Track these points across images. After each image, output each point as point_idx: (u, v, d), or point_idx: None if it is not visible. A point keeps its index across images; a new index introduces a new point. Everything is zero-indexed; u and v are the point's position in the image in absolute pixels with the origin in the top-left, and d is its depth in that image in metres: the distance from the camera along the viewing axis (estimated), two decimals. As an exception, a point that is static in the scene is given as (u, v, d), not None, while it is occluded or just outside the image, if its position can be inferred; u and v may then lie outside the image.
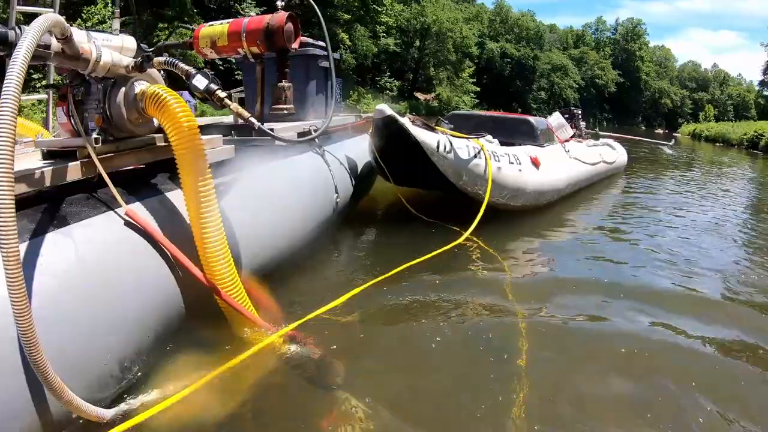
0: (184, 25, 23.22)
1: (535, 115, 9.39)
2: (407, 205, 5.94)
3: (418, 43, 50.65)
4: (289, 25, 3.11)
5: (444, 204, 6.19)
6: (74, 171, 2.36)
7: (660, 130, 69.08)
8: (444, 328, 3.29)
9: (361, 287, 3.66)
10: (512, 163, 5.88)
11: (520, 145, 6.94)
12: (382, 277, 3.92)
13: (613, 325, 3.49)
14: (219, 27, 3.30)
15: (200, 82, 2.47)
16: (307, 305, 3.31)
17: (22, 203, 2.04)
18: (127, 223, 2.39)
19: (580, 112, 11.49)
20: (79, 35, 2.33)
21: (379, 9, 40.68)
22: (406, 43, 48.87)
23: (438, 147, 5.17)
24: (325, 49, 6.12)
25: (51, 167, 2.25)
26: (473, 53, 57.12)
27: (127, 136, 2.66)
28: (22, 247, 1.87)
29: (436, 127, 5.69)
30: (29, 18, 3.50)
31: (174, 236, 2.52)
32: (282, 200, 3.88)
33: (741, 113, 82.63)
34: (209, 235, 2.50)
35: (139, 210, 2.48)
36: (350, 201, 5.44)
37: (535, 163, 6.26)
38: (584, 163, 8.22)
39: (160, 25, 25.12)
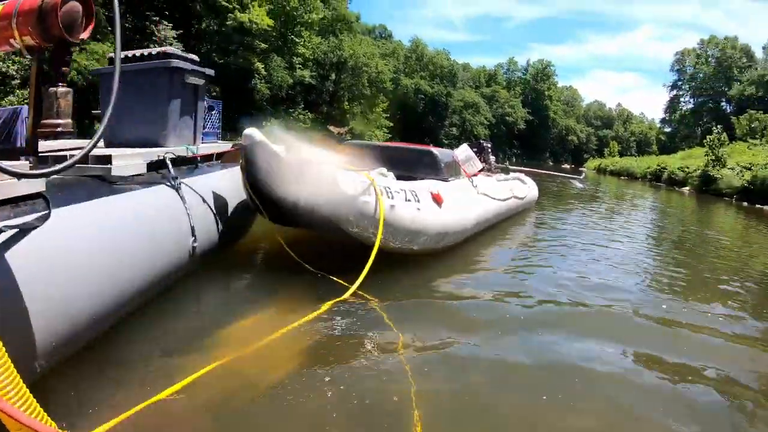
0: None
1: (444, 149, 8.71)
2: (288, 249, 5.20)
3: (333, 76, 50.34)
4: (73, 6, 2.06)
5: (336, 247, 5.50)
6: None
7: (567, 165, 72.86)
8: (326, 406, 2.76)
9: (211, 366, 2.94)
10: (409, 200, 5.14)
11: (421, 179, 6.22)
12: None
13: (515, 398, 3.11)
14: None
15: None
16: (135, 391, 2.66)
17: None
18: None
19: (489, 145, 11.06)
20: None
21: (297, 40, 40.25)
22: (321, 76, 48.42)
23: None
24: (195, 62, 5.25)
25: None
26: (388, 88, 57.35)
27: None
28: None
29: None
30: None
31: None
32: (103, 250, 3.08)
33: (643, 149, 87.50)
34: None
35: None
36: (218, 245, 4.68)
37: (437, 200, 5.52)
38: (494, 198, 7.63)
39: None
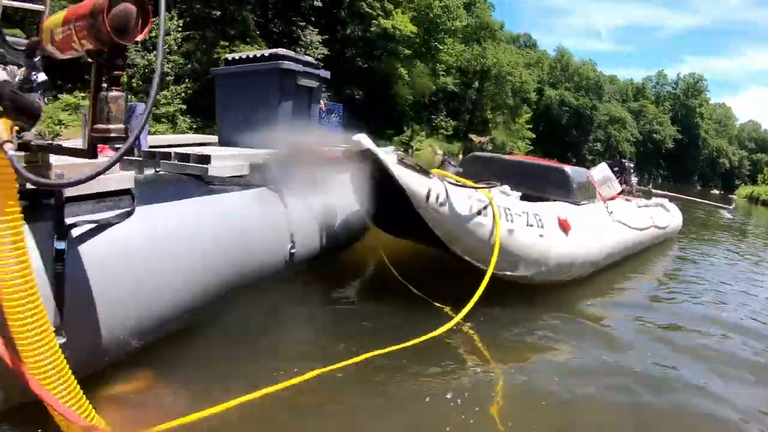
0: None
1: (588, 167, 7.96)
2: (390, 267, 4.83)
3: (476, 84, 50.16)
4: (125, 8, 1.91)
5: (443, 268, 5.00)
6: None
7: (716, 191, 67.39)
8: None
9: (304, 376, 2.82)
10: (531, 225, 4.57)
11: (549, 200, 5.60)
12: (334, 366, 3.00)
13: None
14: (60, 13, 2.23)
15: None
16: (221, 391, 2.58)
17: None
18: None
19: (632, 165, 10.09)
20: None
21: (441, 47, 40.26)
22: (464, 84, 48.41)
23: (428, 197, 3.92)
24: (309, 64, 5.10)
25: None
26: (531, 99, 56.21)
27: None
28: None
29: (434, 171, 4.40)
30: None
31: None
32: (185, 250, 3.00)
33: None
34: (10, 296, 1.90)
35: None
36: (319, 253, 4.41)
37: (564, 226, 4.91)
38: (631, 227, 6.76)
39: (222, 42, 25.31)
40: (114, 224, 2.59)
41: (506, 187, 4.99)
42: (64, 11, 2.12)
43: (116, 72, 1.98)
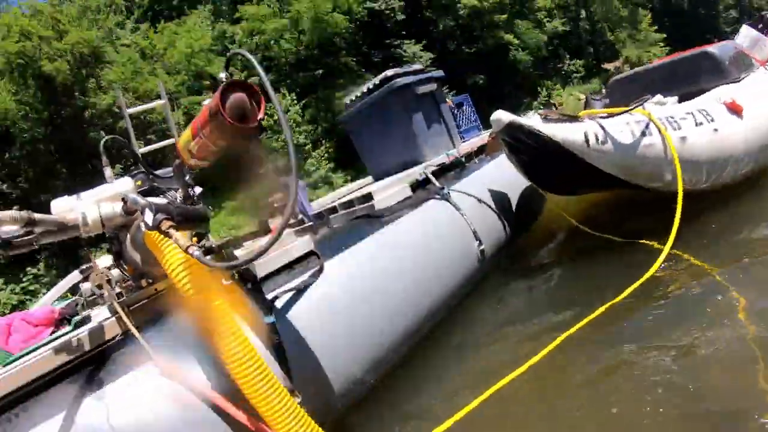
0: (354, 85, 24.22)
1: (731, 38, 7.36)
2: (575, 222, 4.78)
3: (583, 13, 47.46)
4: (236, 99, 2.19)
5: (635, 206, 4.85)
6: (111, 328, 2.43)
7: None
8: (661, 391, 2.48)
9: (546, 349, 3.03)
10: (701, 123, 4.35)
11: (708, 90, 5.23)
12: (566, 333, 3.14)
13: None
14: (186, 131, 2.59)
15: (148, 217, 2.20)
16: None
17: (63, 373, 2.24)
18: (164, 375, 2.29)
19: None
20: (60, 205, 2.44)
21: (532, -3, 38.68)
22: (572, 19, 46.05)
23: (587, 140, 3.91)
24: (419, 71, 5.34)
25: (86, 331, 2.37)
26: (643, 0, 51.97)
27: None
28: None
29: (582, 113, 4.41)
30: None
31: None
32: (382, 285, 3.30)
33: None
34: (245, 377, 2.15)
35: (174, 360, 2.34)
36: (508, 240, 4.61)
37: (735, 109, 4.59)
38: None
39: (337, 94, 26.35)
40: (310, 284, 2.87)
41: (659, 96, 4.83)
42: (189, 128, 2.46)
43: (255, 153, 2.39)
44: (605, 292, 3.47)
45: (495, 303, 4.16)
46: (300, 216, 5.68)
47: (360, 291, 3.13)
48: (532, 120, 3.99)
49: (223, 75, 2.32)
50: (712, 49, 5.76)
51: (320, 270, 2.97)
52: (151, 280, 2.62)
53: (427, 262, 3.64)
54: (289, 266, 2.97)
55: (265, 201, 2.69)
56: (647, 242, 4.03)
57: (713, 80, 5.40)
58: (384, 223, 3.75)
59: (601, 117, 4.23)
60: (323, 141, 25.24)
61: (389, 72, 5.17)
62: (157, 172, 3.25)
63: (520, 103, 31.53)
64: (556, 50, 42.54)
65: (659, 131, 4.12)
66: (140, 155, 3.37)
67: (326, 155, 24.59)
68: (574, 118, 4.14)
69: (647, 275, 3.45)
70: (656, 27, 51.26)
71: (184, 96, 25.70)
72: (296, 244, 3.02)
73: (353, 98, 5.64)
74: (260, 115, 2.21)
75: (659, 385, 2.53)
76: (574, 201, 5.16)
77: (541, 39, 38.26)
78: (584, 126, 4.01)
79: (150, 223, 2.17)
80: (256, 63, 2.13)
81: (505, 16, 35.45)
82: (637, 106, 4.34)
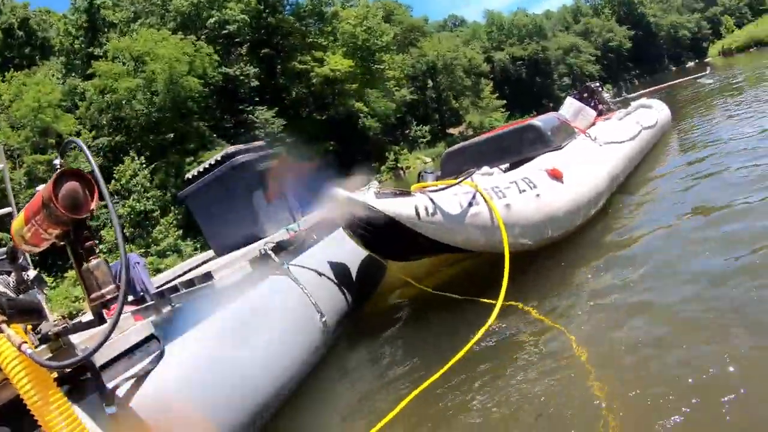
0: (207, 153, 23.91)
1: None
2: (416, 284, 4.87)
3: (430, 83, 50.36)
4: (69, 187, 2.13)
5: (470, 265, 5.09)
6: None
7: (691, 63, 67.00)
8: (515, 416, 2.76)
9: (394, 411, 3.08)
10: (524, 190, 4.63)
11: (536, 157, 5.63)
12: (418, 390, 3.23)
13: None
14: (20, 215, 2.44)
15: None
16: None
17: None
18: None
19: (598, 84, 10.09)
20: None
21: (381, 67, 40.46)
22: (419, 88, 48.64)
23: (418, 213, 4.03)
24: (261, 147, 5.30)
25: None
26: (485, 70, 56.20)
27: None
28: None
29: (414, 187, 4.51)
30: None
31: None
32: (229, 366, 3.21)
33: (757, 9, 76.64)
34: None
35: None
36: (350, 310, 4.62)
37: (555, 175, 4.95)
38: (621, 142, 6.74)
39: (187, 159, 25.87)
40: (150, 370, 2.69)
41: (485, 168, 5.05)
42: (22, 213, 2.30)
43: (87, 243, 2.17)
44: (448, 349, 3.55)
45: (341, 375, 4.12)
46: (141, 293, 5.38)
47: (202, 374, 3.02)
48: (366, 196, 4.04)
49: (57, 162, 2.24)
50: (536, 121, 6.24)
51: (161, 355, 2.79)
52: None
53: (270, 339, 3.58)
54: (129, 352, 2.76)
55: (97, 289, 2.38)
56: (484, 299, 4.15)
57: (537, 149, 5.82)
58: (225, 301, 3.67)
59: (432, 190, 4.33)
60: (172, 207, 24.34)
61: (230, 149, 5.18)
62: None
63: (370, 168, 32.45)
64: (404, 117, 44.46)
65: (485, 201, 4.30)
66: None
67: (175, 222, 23.74)
68: (405, 193, 4.22)
69: (483, 329, 3.58)
70: (497, 94, 55.45)
71: (27, 154, 23.94)
72: (135, 328, 2.83)
73: (195, 173, 5.50)
74: (92, 205, 2.15)
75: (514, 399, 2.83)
76: (416, 264, 5.23)
77: (389, 107, 39.79)
78: (415, 200, 4.13)
79: None
80: (89, 153, 2.09)
81: (356, 85, 36.61)
82: (465, 179, 4.50)
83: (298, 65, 34.14)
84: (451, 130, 50.69)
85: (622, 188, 6.22)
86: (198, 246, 21.47)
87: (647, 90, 12.37)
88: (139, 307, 4.21)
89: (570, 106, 7.44)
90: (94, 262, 2.16)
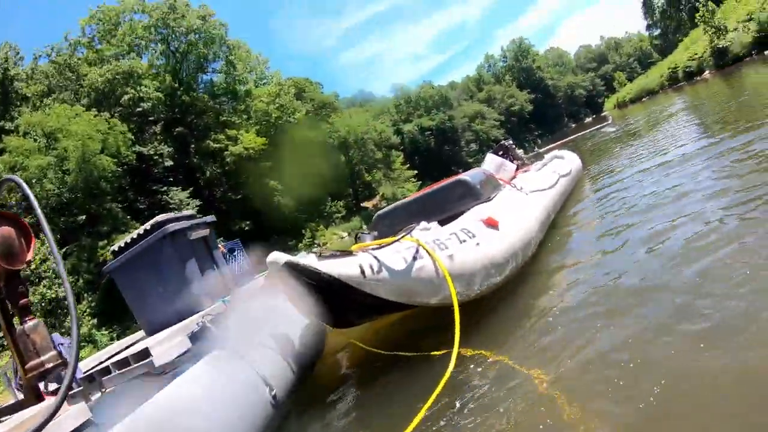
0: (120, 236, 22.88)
1: (475, 165, 8.23)
2: (365, 346, 4.74)
3: (343, 158, 50.85)
4: (5, 233, 1.80)
5: (416, 320, 5.10)
6: None
7: (589, 119, 71.78)
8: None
9: None
10: (464, 240, 4.69)
11: (464, 212, 5.76)
12: None
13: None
14: None
15: None
16: None
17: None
18: None
19: (511, 141, 10.48)
20: None
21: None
22: (332, 164, 48.99)
23: (363, 272, 3.99)
24: (192, 216, 5.06)
25: None
26: (395, 142, 57.46)
27: None
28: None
29: (354, 247, 4.40)
30: None
31: None
32: None
33: (646, 63, 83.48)
34: None
35: None
36: (300, 377, 4.46)
37: (492, 224, 5.06)
38: (544, 190, 7.03)
39: (100, 243, 24.74)
40: None
41: (423, 223, 5.02)
42: None
43: (23, 300, 1.81)
44: (406, 407, 3.48)
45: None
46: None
47: None
48: (307, 259, 3.96)
49: None
50: (465, 176, 6.46)
51: None
52: None
53: (219, 418, 3.24)
54: None
55: (35, 356, 2.02)
56: (436, 352, 4.12)
57: (468, 202, 5.97)
58: (166, 380, 3.36)
59: (374, 248, 4.26)
60: (85, 294, 23.02)
61: (161, 217, 4.88)
62: None
63: (286, 247, 32.12)
64: (318, 194, 44.56)
65: (428, 254, 4.27)
66: None
67: (89, 310, 22.36)
68: (347, 253, 4.13)
69: (444, 379, 3.52)
70: (408, 165, 56.60)
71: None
72: (69, 413, 2.45)
73: (122, 245, 5.15)
74: (29, 256, 1.75)
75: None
76: (361, 327, 5.13)
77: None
78: (359, 259, 4.11)
79: None
80: (30, 194, 1.81)
81: (270, 162, 36.59)
82: (405, 235, 4.46)
83: (212, 144, 33.97)
84: (365, 204, 51.10)
85: (550, 228, 6.51)
86: (114, 336, 20.27)
87: (557, 143, 13.02)
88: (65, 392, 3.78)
89: (492, 161, 7.67)
90: (30, 323, 1.82)
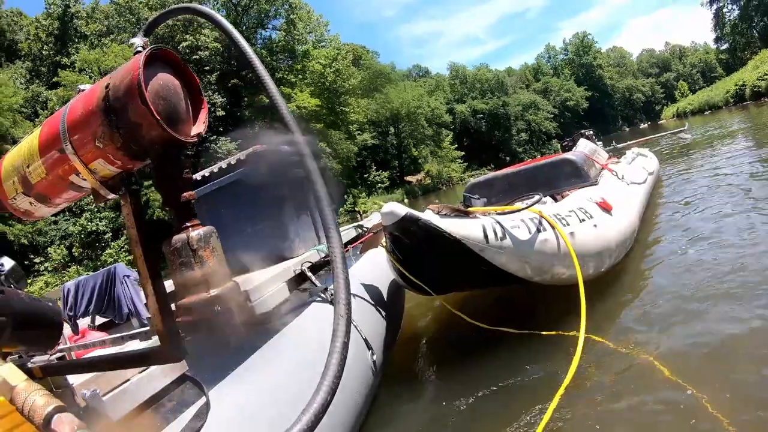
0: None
1: (524, 159, 7.87)
2: (467, 318, 4.19)
3: (392, 129, 50.55)
4: (166, 82, 1.23)
5: (507, 298, 4.80)
6: None
7: (644, 125, 69.72)
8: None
9: None
10: (583, 220, 4.29)
11: (567, 193, 5.43)
12: None
13: None
14: (24, 143, 1.35)
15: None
16: None
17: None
18: None
19: (591, 132, 9.99)
20: None
21: (346, 110, 40.47)
22: (381, 133, 48.75)
23: (487, 237, 3.56)
24: (288, 153, 4.56)
25: None
26: (447, 121, 56.89)
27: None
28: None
29: (471, 210, 4.02)
30: None
31: None
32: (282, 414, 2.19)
33: (709, 77, 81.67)
34: None
35: None
36: (391, 342, 3.98)
37: (606, 208, 4.70)
38: (639, 184, 6.68)
39: (146, 183, 24.92)
40: (200, 427, 1.86)
41: (538, 196, 4.65)
42: (31, 136, 1.31)
43: (185, 194, 1.24)
44: (521, 394, 3.17)
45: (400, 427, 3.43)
46: (128, 315, 4.57)
47: (262, 428, 2.16)
48: (427, 215, 3.53)
49: (138, 40, 1.39)
50: (571, 156, 6.07)
51: (208, 406, 1.95)
52: None
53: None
54: (158, 399, 1.98)
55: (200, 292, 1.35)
56: (548, 332, 3.76)
57: (575, 182, 5.61)
58: (270, 332, 2.89)
59: (496, 214, 3.91)
60: (125, 231, 23.25)
61: (258, 148, 4.30)
62: None
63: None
64: (363, 161, 44.40)
65: (552, 227, 3.89)
66: None
67: (126, 247, 22.50)
68: (467, 214, 3.74)
69: (574, 365, 3.13)
70: (456, 145, 56.11)
71: (-21, 156, 22.57)
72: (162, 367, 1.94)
73: (208, 173, 4.59)
74: (201, 127, 1.25)
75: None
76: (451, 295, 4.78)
77: (351, 150, 39.71)
78: (481, 222, 3.69)
79: None
80: (227, 25, 1.37)
81: (321, 125, 36.45)
82: (531, 205, 4.09)
83: (265, 99, 33.76)
84: (409, 178, 50.81)
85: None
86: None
87: (633, 142, 12.60)
88: (126, 334, 3.05)
89: (586, 145, 7.24)
90: (195, 232, 1.25)
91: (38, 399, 1.00)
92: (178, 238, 1.21)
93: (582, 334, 3.32)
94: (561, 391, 2.94)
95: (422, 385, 3.92)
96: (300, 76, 38.27)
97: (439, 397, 3.60)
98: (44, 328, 1.35)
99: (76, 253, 21.95)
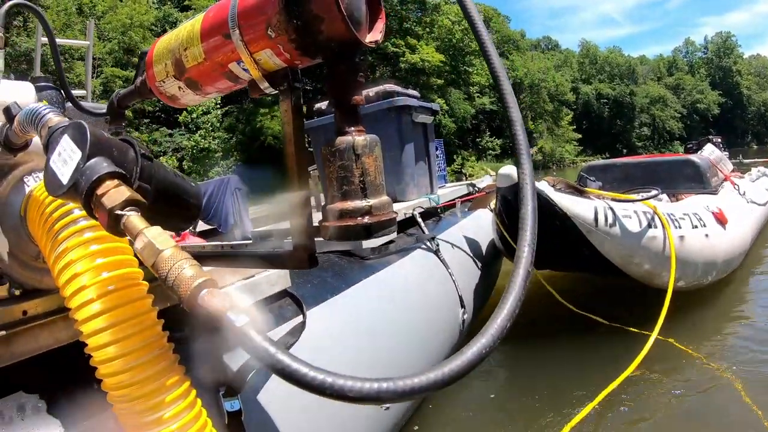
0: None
1: (641, 153, 7.49)
2: (561, 299, 4.26)
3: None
4: None
5: (607, 289, 4.79)
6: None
7: (774, 146, 64.05)
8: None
9: None
10: (696, 226, 4.18)
11: (683, 196, 5.23)
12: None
13: None
14: (185, 28, 1.26)
15: (58, 170, 0.93)
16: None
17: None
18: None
19: (719, 139, 9.42)
20: None
21: (470, 70, 39.97)
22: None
23: (597, 220, 3.59)
24: (417, 97, 4.67)
25: None
26: (569, 100, 55.11)
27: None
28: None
29: (587, 190, 4.06)
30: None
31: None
32: (369, 347, 2.36)
33: None
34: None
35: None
36: (482, 303, 3.94)
37: (721, 220, 4.52)
38: (759, 204, 6.25)
39: (261, 110, 25.80)
40: (291, 345, 1.87)
41: (656, 191, 4.60)
42: (193, 20, 1.24)
43: (355, 99, 1.09)
44: (590, 377, 3.26)
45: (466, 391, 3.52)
46: (232, 232, 4.70)
47: (349, 358, 2.20)
48: (543, 185, 3.62)
49: None
50: (696, 158, 5.74)
51: (303, 325, 1.96)
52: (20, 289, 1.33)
53: (417, 326, 2.84)
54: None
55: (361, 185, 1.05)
56: (635, 329, 3.77)
57: (692, 187, 5.37)
58: (372, 268, 2.90)
59: (610, 200, 3.92)
60: (235, 153, 24.35)
61: (388, 86, 4.26)
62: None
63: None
64: (478, 125, 43.83)
65: (663, 226, 3.87)
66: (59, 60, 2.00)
67: (233, 168, 23.67)
68: (582, 193, 3.81)
69: (639, 358, 3.19)
70: (574, 126, 54.37)
71: (108, 65, 24.12)
72: (267, 276, 1.98)
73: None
74: (377, 35, 1.09)
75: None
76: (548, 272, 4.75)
77: (468, 111, 39.26)
78: (594, 203, 3.70)
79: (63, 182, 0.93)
80: None
81: (441, 81, 36.21)
82: (648, 198, 4.05)
83: (390, 47, 33.86)
84: (520, 150, 49.67)
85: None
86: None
87: (763, 160, 11.79)
88: (227, 243, 2.94)
89: (713, 152, 6.94)
90: (360, 137, 1.08)
91: (187, 269, 0.87)
92: (343, 139, 1.07)
93: (654, 335, 3.34)
94: (619, 380, 3.01)
95: (501, 358, 4.00)
96: (427, 30, 37.97)
97: (507, 367, 3.81)
98: (182, 207, 1.32)
99: (186, 167, 23.19)
